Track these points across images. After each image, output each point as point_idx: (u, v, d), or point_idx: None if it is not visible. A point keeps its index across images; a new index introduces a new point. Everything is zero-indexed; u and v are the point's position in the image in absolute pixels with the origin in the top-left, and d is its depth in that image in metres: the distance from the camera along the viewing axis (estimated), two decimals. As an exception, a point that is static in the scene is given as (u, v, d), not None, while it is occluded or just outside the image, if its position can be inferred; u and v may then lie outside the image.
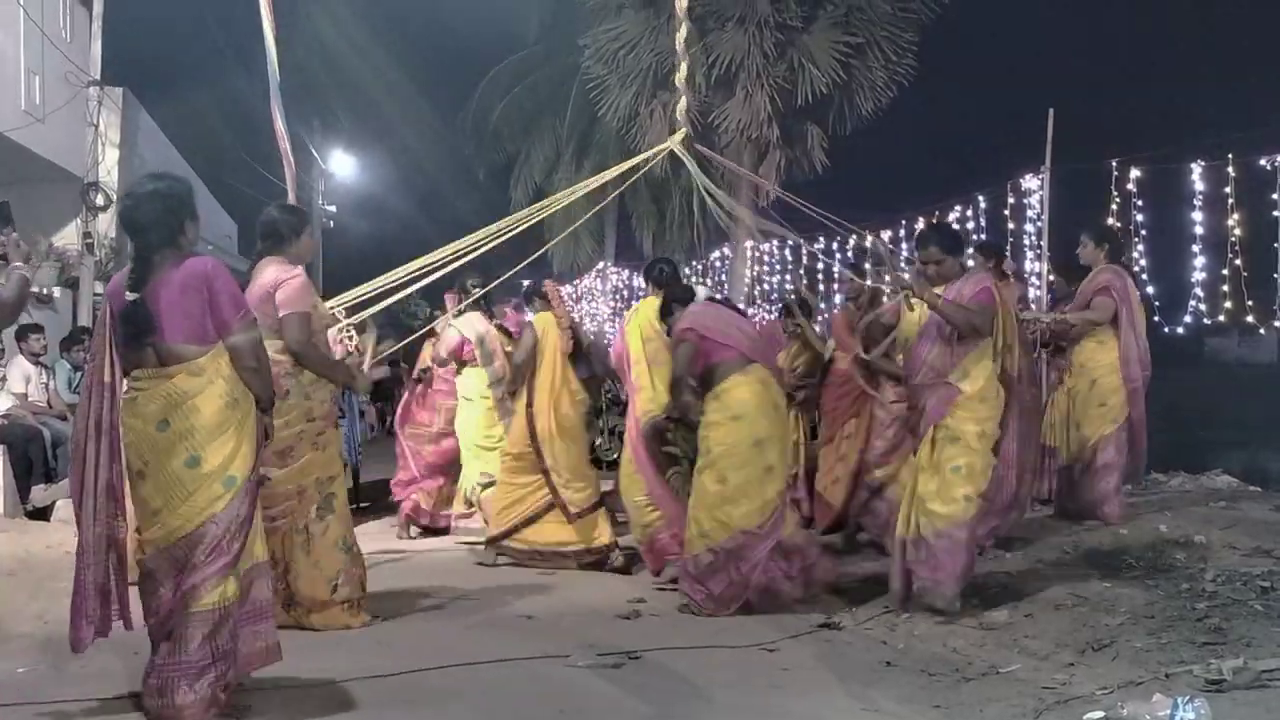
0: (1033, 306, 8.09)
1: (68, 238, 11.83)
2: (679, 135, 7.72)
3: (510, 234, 7.24)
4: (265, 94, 8.32)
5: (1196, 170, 8.63)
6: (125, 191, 3.98)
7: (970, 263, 8.34)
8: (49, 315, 10.73)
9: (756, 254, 15.43)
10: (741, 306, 10.81)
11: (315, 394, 4.99)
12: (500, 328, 7.58)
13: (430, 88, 25.15)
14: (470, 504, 7.63)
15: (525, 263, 7.81)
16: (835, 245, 12.61)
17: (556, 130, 20.81)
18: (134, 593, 3.75)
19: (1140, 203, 9.05)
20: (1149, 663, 4.19)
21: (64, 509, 7.53)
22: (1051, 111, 9.38)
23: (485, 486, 7.38)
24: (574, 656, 4.58)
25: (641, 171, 8.97)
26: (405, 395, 8.40)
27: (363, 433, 13.12)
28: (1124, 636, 4.57)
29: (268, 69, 8.08)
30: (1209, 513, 7.11)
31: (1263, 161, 8.29)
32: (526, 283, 7.47)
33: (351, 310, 6.51)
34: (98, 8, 11.80)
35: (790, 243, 14.30)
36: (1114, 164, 9.11)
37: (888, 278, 5.90)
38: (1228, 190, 8.39)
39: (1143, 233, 9.14)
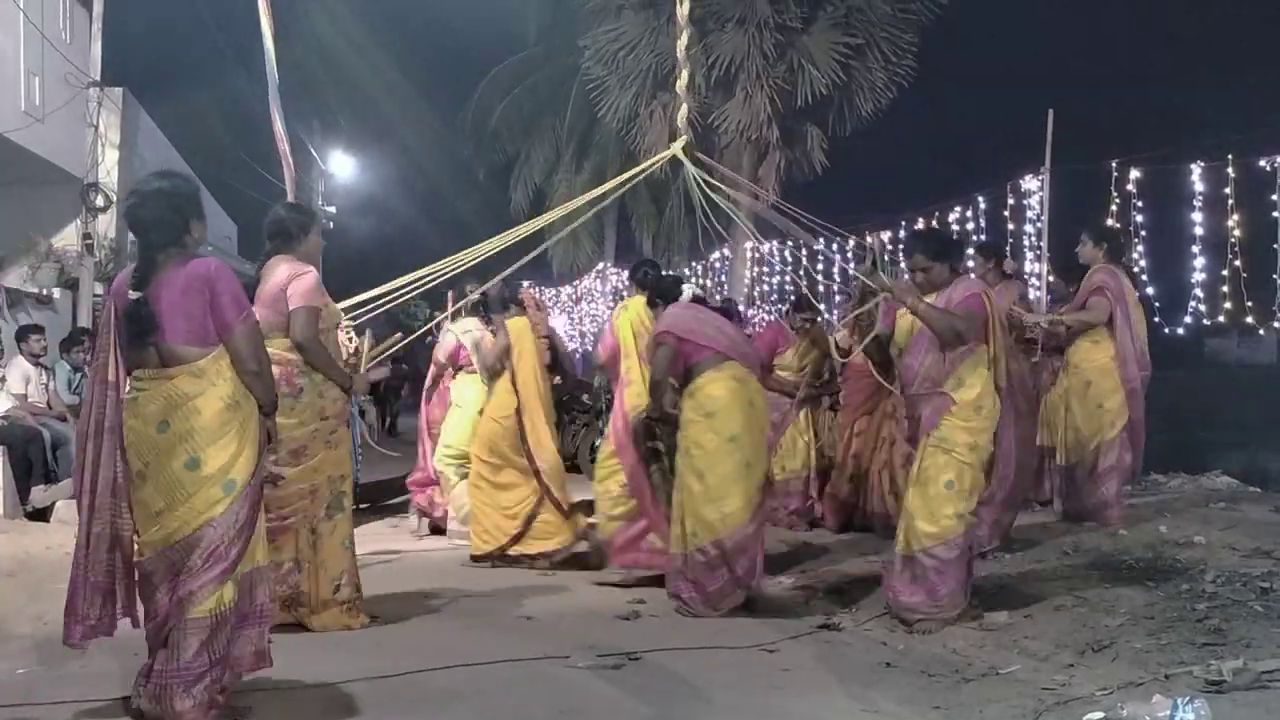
0: (1032, 307, 8.09)
1: (67, 238, 11.84)
2: (680, 142, 7.74)
3: (513, 240, 7.28)
4: (265, 95, 8.33)
5: (1196, 171, 8.64)
6: (132, 189, 3.95)
7: (971, 264, 8.38)
8: (49, 316, 10.73)
9: (756, 255, 15.45)
10: (741, 307, 10.81)
11: (328, 392, 4.99)
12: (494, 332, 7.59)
13: (430, 88, 25.21)
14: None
15: (522, 261, 7.83)
16: (835, 247, 12.63)
17: (556, 131, 20.82)
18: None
19: (1140, 203, 9.06)
20: (1149, 664, 4.19)
21: (63, 510, 7.54)
22: (1051, 112, 9.37)
23: (461, 478, 7.45)
24: (574, 657, 4.58)
25: (642, 176, 8.98)
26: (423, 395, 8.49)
27: (362, 434, 13.13)
28: (1124, 637, 4.57)
29: (267, 70, 8.08)
30: (1209, 514, 7.12)
31: (1262, 162, 8.30)
32: (490, 289, 7.52)
33: (351, 314, 6.54)
34: (97, 8, 11.81)
35: (790, 243, 14.32)
36: (1114, 165, 9.12)
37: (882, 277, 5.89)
38: (1227, 191, 8.40)
39: (1142, 233, 9.15)
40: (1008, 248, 9.70)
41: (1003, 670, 4.33)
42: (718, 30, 14.57)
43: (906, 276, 5.44)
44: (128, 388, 3.68)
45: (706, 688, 4.23)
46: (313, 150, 22.64)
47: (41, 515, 7.80)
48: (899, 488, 6.48)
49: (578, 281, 21.95)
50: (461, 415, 7.61)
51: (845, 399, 7.82)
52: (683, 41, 8.03)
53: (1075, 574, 5.73)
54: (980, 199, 10.79)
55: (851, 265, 10.16)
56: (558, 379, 7.14)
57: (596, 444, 10.60)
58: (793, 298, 9.19)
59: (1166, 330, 8.95)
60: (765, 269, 15.49)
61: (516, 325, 6.83)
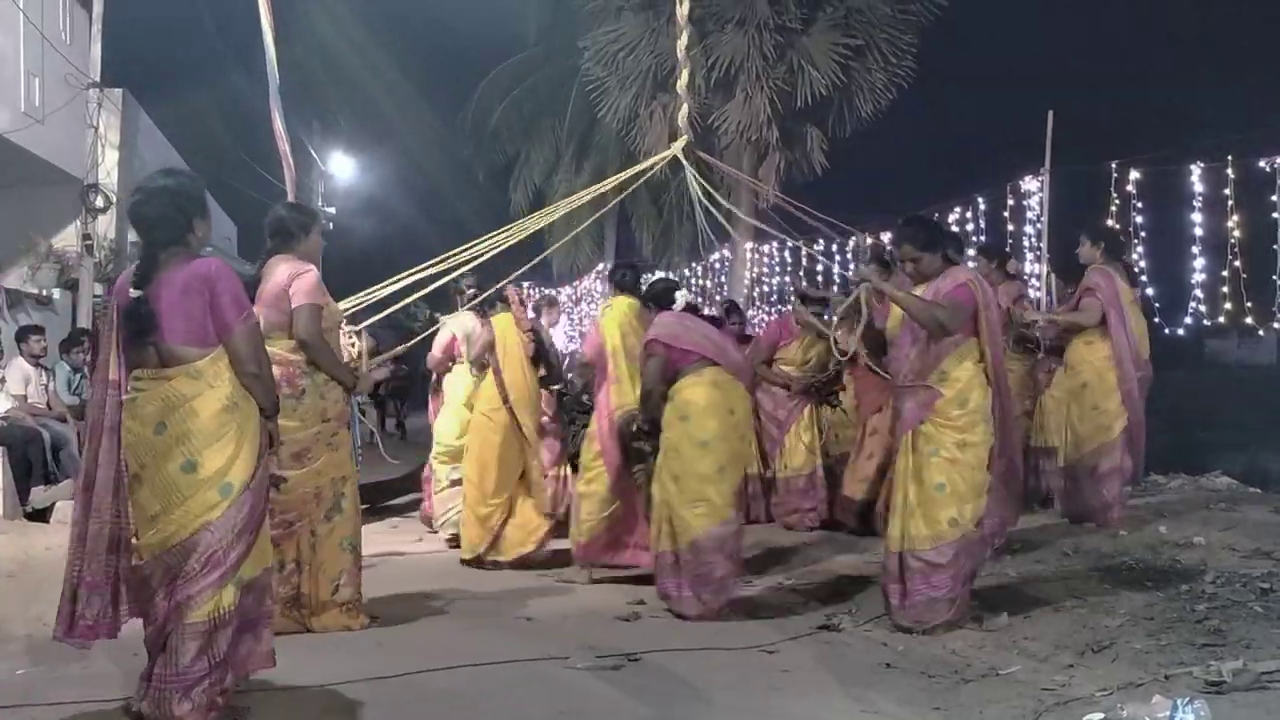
0: (1029, 307, 8.09)
1: (67, 239, 11.83)
2: (680, 142, 7.76)
3: (513, 241, 7.31)
4: (265, 95, 8.34)
5: (1196, 172, 8.65)
6: (137, 186, 3.93)
7: (972, 264, 8.37)
8: (48, 317, 10.73)
9: (756, 255, 15.45)
10: (742, 307, 10.80)
11: (329, 394, 4.99)
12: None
13: (430, 89, 25.20)
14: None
15: (522, 270, 7.88)
16: (835, 248, 12.64)
17: (556, 132, 20.81)
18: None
19: (1140, 204, 9.07)
20: (1148, 664, 4.19)
21: (63, 510, 7.53)
22: (1051, 113, 9.40)
23: (452, 483, 7.56)
24: (574, 658, 4.58)
25: (644, 177, 9.00)
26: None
27: (362, 435, 13.11)
28: (1123, 638, 4.57)
29: (267, 70, 8.10)
30: (1208, 514, 7.12)
31: (1262, 163, 8.31)
32: (470, 288, 7.58)
33: (352, 315, 6.58)
34: (97, 9, 11.80)
35: (790, 244, 14.33)
36: (1113, 165, 9.13)
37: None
38: (1227, 192, 8.41)
39: (1142, 234, 9.16)
40: (1008, 248, 9.70)
41: (1003, 671, 4.33)
42: (717, 31, 14.56)
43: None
44: (127, 388, 3.65)
45: (706, 689, 4.23)
46: (313, 151, 22.64)
47: (41, 516, 7.80)
48: None
49: (578, 282, 21.93)
50: (450, 410, 7.71)
51: (857, 396, 7.81)
52: (682, 41, 8.05)
53: (1075, 575, 5.73)
54: (980, 200, 10.80)
55: (850, 266, 10.16)
56: (543, 372, 7.18)
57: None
58: (797, 293, 9.15)
59: (1167, 331, 8.96)
60: (765, 269, 15.49)
61: (500, 321, 6.92)
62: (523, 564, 6.72)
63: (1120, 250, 7.30)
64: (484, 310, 7.41)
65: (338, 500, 5.09)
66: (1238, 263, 8.52)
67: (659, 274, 17.78)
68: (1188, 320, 9.03)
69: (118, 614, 3.66)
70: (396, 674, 4.25)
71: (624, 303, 6.48)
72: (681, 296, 5.99)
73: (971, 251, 10.57)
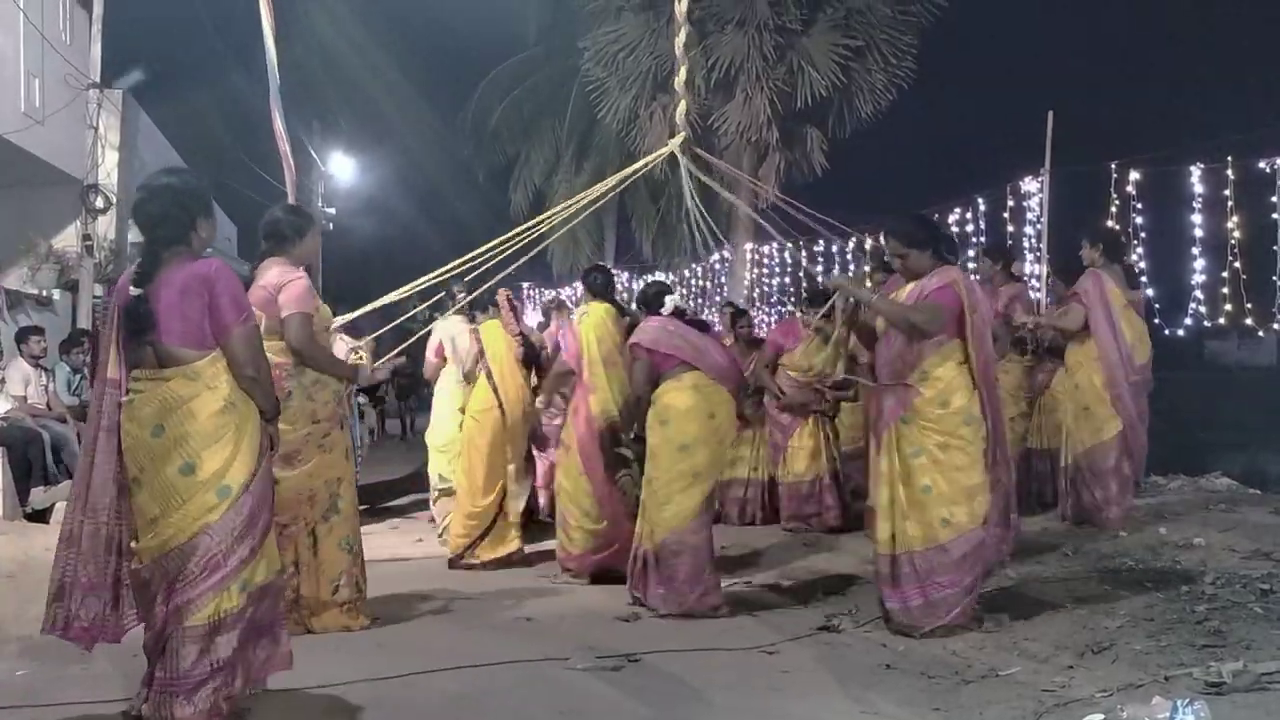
0: (1032, 309, 8.09)
1: (67, 240, 11.83)
2: (678, 139, 7.74)
3: (514, 244, 7.33)
4: (265, 96, 8.34)
5: (1196, 173, 8.66)
6: (141, 184, 3.92)
7: (973, 265, 8.37)
8: (48, 317, 10.73)
9: (756, 256, 15.45)
10: (743, 308, 10.79)
11: (318, 395, 4.98)
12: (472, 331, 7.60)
13: (430, 89, 25.20)
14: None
15: (519, 261, 7.86)
16: (835, 248, 12.65)
17: (556, 132, 20.82)
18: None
19: (1140, 205, 9.08)
20: (1149, 665, 4.19)
21: (63, 511, 7.51)
22: (1051, 114, 9.40)
23: (442, 493, 7.65)
24: (573, 659, 4.58)
25: (640, 174, 8.98)
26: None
27: (362, 435, 13.09)
28: (1123, 639, 4.57)
29: (267, 71, 8.10)
30: (1208, 515, 7.12)
31: (1262, 164, 8.32)
32: (459, 292, 7.63)
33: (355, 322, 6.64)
34: (97, 10, 11.81)
35: (790, 245, 14.33)
36: (1113, 166, 9.13)
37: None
38: (1227, 193, 8.41)
39: (1142, 235, 9.16)
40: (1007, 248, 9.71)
41: (1003, 672, 4.33)
42: (717, 32, 14.56)
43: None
44: (125, 390, 3.62)
45: (706, 689, 4.23)
46: (313, 151, 22.63)
47: (41, 517, 7.80)
48: None
49: (577, 283, 21.91)
50: (440, 411, 7.78)
51: (867, 401, 7.80)
52: (681, 38, 8.03)
53: (1075, 576, 5.73)
54: (980, 200, 10.81)
55: (850, 267, 10.12)
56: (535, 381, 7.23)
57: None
58: (805, 294, 9.13)
59: (1166, 332, 8.97)
60: (765, 270, 15.49)
61: (488, 328, 7.03)
62: (502, 564, 6.80)
63: (1120, 253, 7.26)
64: (472, 315, 7.45)
65: (334, 501, 5.09)
66: (1238, 264, 8.53)
67: (659, 275, 17.83)
68: (1188, 321, 9.03)
69: (120, 618, 3.63)
70: (396, 675, 4.25)
71: (600, 308, 6.52)
72: (671, 300, 6.02)
73: (972, 252, 10.60)
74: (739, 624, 5.33)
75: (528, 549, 7.08)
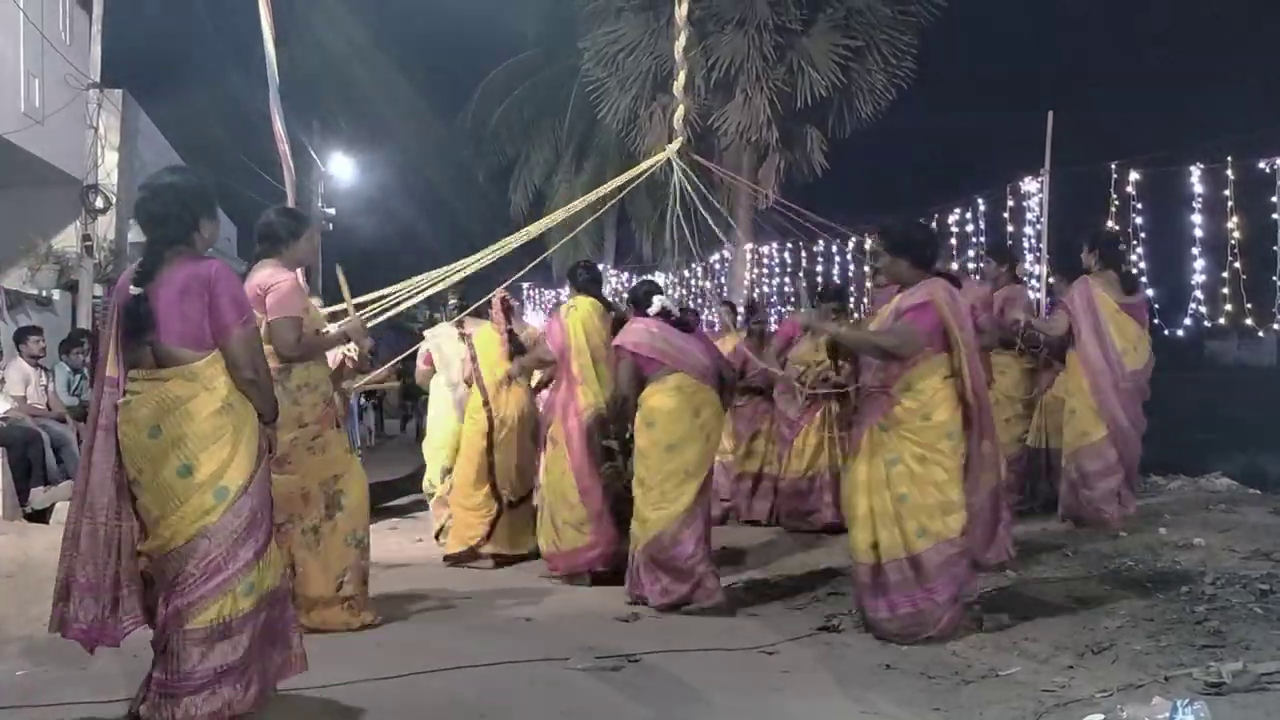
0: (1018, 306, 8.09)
1: (67, 240, 11.83)
2: (676, 144, 7.77)
3: (513, 246, 7.35)
4: (265, 97, 8.35)
5: (1195, 173, 8.65)
6: (144, 182, 3.90)
7: (973, 265, 8.35)
8: (48, 318, 10.73)
9: (756, 256, 15.46)
10: (741, 308, 10.79)
11: (304, 399, 4.98)
12: (464, 338, 7.58)
13: (429, 90, 25.19)
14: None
15: (519, 273, 7.91)
16: (834, 249, 12.66)
17: (556, 133, 20.81)
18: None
19: (1140, 206, 9.07)
20: (1148, 666, 4.19)
21: (63, 511, 7.49)
22: (1051, 114, 9.40)
23: (434, 497, 7.69)
24: (573, 659, 4.58)
25: (641, 178, 9.00)
26: None
27: (362, 435, 13.11)
28: (1123, 639, 4.57)
29: (267, 72, 8.11)
30: (1208, 516, 7.12)
31: (1262, 164, 8.31)
32: (452, 299, 7.67)
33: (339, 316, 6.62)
34: (97, 10, 11.82)
35: (789, 245, 14.35)
36: (1113, 166, 9.13)
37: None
38: (1227, 193, 8.41)
39: (1142, 236, 9.16)
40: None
41: (1003, 672, 4.33)
42: (717, 32, 14.57)
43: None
44: (123, 390, 3.60)
45: (706, 689, 4.23)
46: (313, 152, 22.63)
47: (41, 517, 7.80)
48: None
49: (577, 283, 21.89)
50: (433, 416, 7.84)
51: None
52: (680, 42, 8.05)
53: (1075, 577, 5.73)
54: (980, 201, 10.81)
55: (850, 268, 10.11)
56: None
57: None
58: (815, 291, 9.12)
59: (1166, 332, 8.96)
60: (765, 270, 15.50)
61: (481, 336, 7.20)
62: (508, 562, 6.87)
63: (1116, 259, 7.19)
64: (460, 320, 7.48)
65: (336, 498, 5.08)
66: (1237, 264, 8.52)
67: (659, 275, 17.83)
68: (1188, 322, 9.03)
69: (119, 621, 3.58)
70: (396, 675, 4.25)
71: (586, 303, 6.58)
72: (659, 301, 6.07)
73: (972, 252, 10.60)
74: (739, 624, 5.33)
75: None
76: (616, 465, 6.29)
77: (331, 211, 24.68)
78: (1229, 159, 8.39)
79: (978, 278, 8.82)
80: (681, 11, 7.87)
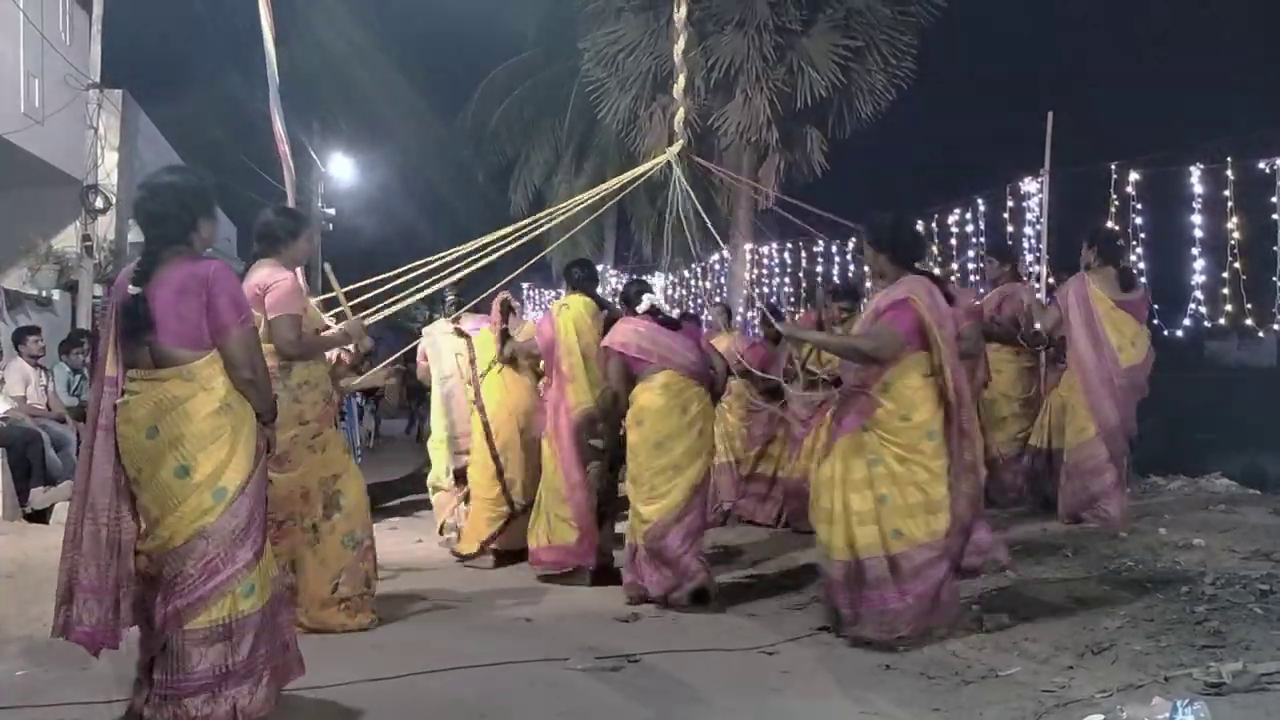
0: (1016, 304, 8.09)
1: (67, 240, 11.84)
2: (676, 147, 7.78)
3: (513, 245, 7.35)
4: (265, 97, 8.35)
5: (1195, 173, 8.65)
6: (142, 181, 3.90)
7: (973, 265, 8.34)
8: (48, 318, 10.74)
9: (755, 257, 15.45)
10: (741, 309, 10.80)
11: (305, 397, 4.98)
12: (458, 332, 7.59)
13: (429, 90, 25.23)
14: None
15: (517, 271, 7.90)
16: (835, 249, 12.65)
17: (556, 133, 20.81)
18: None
19: (1139, 206, 9.06)
20: (1148, 666, 4.19)
21: (63, 511, 7.49)
22: (1050, 114, 9.40)
23: (436, 489, 7.68)
24: (573, 659, 4.58)
25: (640, 180, 8.99)
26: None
27: (361, 436, 13.10)
28: (1123, 640, 4.57)
29: (267, 72, 8.10)
30: (1208, 516, 7.11)
31: (1262, 164, 8.31)
32: (449, 296, 7.68)
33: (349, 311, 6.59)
34: (97, 10, 11.82)
35: (789, 246, 14.35)
36: (1113, 167, 9.12)
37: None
38: (1227, 193, 8.40)
39: (1142, 236, 9.15)
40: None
41: (1002, 672, 4.33)
42: (717, 33, 14.55)
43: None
44: (121, 390, 3.59)
45: (706, 690, 4.23)
46: (313, 152, 22.66)
47: (41, 517, 7.81)
48: None
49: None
50: (437, 410, 7.78)
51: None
52: (680, 45, 8.05)
53: (1075, 577, 5.73)
54: (980, 201, 10.80)
55: (850, 268, 10.10)
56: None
57: None
58: (829, 289, 9.11)
59: (1166, 332, 8.95)
60: (764, 271, 15.49)
61: (482, 336, 7.23)
62: (517, 559, 6.85)
63: (1115, 255, 7.18)
64: (459, 317, 7.48)
65: (335, 498, 5.08)
66: (1237, 264, 8.51)
67: (658, 276, 17.84)
68: (1187, 322, 9.02)
69: (120, 623, 3.57)
70: (395, 675, 4.25)
71: (579, 301, 6.59)
72: (648, 299, 6.14)
73: (972, 253, 10.60)
74: (739, 624, 5.34)
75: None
76: (602, 465, 6.36)
77: (331, 211, 24.70)
78: (1229, 159, 8.38)
79: (975, 278, 8.82)
80: (681, 14, 7.87)
